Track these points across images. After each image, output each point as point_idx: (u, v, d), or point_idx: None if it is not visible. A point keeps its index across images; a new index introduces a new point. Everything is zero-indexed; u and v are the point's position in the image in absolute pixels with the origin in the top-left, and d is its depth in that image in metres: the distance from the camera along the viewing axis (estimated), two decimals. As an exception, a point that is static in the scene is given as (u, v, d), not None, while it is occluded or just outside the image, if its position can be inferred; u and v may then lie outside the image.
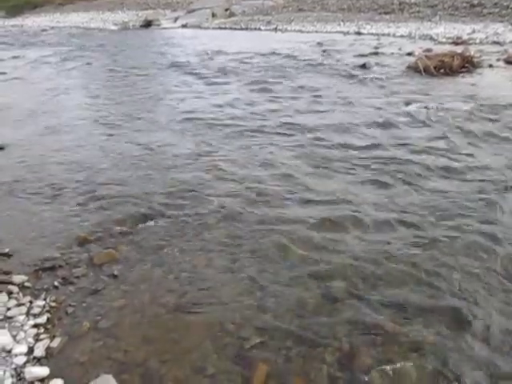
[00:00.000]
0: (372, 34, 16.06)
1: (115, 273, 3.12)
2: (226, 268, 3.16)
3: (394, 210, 3.83)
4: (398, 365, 2.30)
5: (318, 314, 2.71)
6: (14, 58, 15.56)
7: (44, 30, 28.44)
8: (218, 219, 3.77)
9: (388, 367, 2.29)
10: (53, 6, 44.85)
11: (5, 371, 2.32)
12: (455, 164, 4.70)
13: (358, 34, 16.39)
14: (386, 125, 5.96)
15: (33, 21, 38.63)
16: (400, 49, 12.15)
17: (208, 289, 2.96)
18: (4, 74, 12.10)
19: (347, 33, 16.82)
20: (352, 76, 9.15)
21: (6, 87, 10.41)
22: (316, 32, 17.86)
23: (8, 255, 3.38)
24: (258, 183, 4.40)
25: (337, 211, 3.82)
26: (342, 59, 11.09)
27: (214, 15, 25.25)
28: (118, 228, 3.67)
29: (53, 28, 30.07)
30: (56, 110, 7.78)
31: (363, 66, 9.87)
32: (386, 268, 3.08)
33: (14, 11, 48.84)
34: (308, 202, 4.03)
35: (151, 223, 3.75)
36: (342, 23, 18.75)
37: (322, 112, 6.75)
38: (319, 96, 7.63)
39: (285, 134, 5.79)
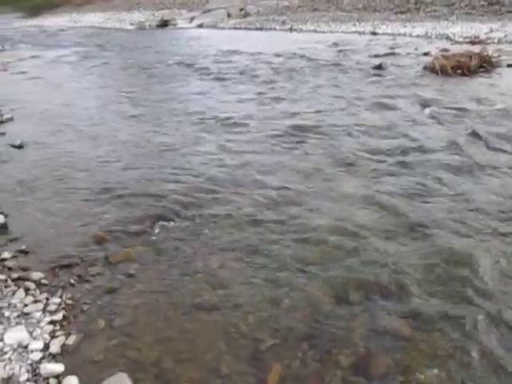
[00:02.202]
0: (388, 33, 15.91)
1: (131, 272, 3.15)
2: (241, 270, 3.16)
3: (412, 215, 3.77)
4: (415, 372, 2.28)
5: (333, 317, 2.69)
6: (34, 57, 15.79)
7: (62, 30, 28.81)
8: (235, 222, 3.76)
9: (404, 374, 2.27)
10: (71, 7, 45.41)
11: (21, 366, 2.35)
12: (476, 165, 4.62)
13: (374, 33, 16.25)
14: (402, 126, 5.89)
15: (52, 21, 39.17)
16: (416, 49, 12.02)
17: (223, 290, 2.96)
18: (24, 73, 12.29)
19: (362, 33, 16.69)
20: (368, 76, 9.07)
21: (26, 86, 10.57)
22: (331, 32, 17.76)
23: (25, 252, 3.43)
24: (276, 187, 4.37)
25: (355, 217, 3.78)
26: (358, 59, 11.01)
27: (229, 15, 25.28)
28: (135, 227, 3.70)
29: (71, 28, 30.45)
30: (74, 109, 7.87)
31: (379, 67, 9.77)
32: (403, 274, 3.03)
33: (34, 11, 49.60)
34: (327, 206, 3.98)
35: (168, 223, 3.76)
36: (357, 23, 18.62)
37: (338, 113, 6.69)
38: (335, 97, 7.58)
39: (301, 135, 5.75)
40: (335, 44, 13.77)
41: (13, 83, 11.15)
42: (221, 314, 2.76)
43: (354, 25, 18.36)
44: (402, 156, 4.97)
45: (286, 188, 4.33)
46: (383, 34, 16.02)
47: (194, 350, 2.49)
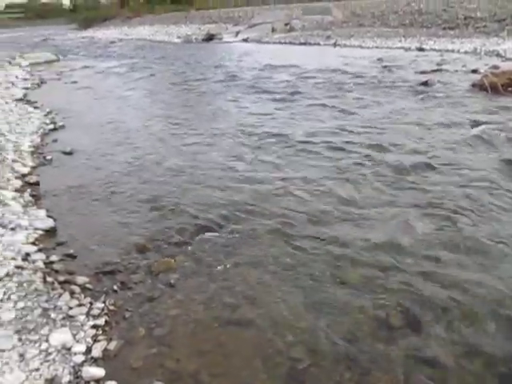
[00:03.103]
0: (435, 49, 15.60)
1: (171, 282, 3.19)
2: (279, 287, 3.14)
3: (460, 238, 3.64)
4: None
5: (372, 340, 2.62)
6: (85, 67, 16.54)
7: (112, 42, 30.04)
8: (275, 237, 3.75)
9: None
10: (121, 19, 47.33)
11: (64, 368, 2.42)
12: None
13: (420, 49, 15.97)
14: (449, 146, 5.72)
15: (103, 33, 40.96)
16: (464, 65, 11.71)
17: (261, 305, 2.95)
18: (76, 82, 12.89)
19: (409, 49, 16.45)
20: (414, 93, 8.91)
21: (77, 95, 11.07)
22: (376, 47, 17.62)
23: (72, 256, 3.56)
24: (318, 203, 4.34)
25: (398, 235, 3.70)
26: (404, 76, 10.85)
27: (274, 30, 25.57)
28: (176, 238, 3.76)
29: (121, 40, 31.69)
30: (121, 119, 8.15)
31: (425, 84, 9.59)
32: (451, 298, 2.92)
33: (86, 24, 52.05)
34: (370, 224, 3.91)
35: (208, 235, 3.80)
36: (403, 39, 18.38)
37: (383, 130, 6.58)
38: (379, 114, 7.48)
39: (345, 152, 5.68)
40: (380, 60, 13.63)
41: (65, 92, 11.71)
42: (258, 329, 2.75)
43: (400, 40, 18.13)
44: (446, 176, 4.83)
45: (329, 205, 4.29)
46: (430, 49, 15.72)
47: (231, 365, 2.49)
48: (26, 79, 13.55)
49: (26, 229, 3.84)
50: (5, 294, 2.90)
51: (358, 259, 3.40)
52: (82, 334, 2.66)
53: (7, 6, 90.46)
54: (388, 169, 5.09)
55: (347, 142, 6.07)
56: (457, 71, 11.11)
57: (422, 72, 11.15)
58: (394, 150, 5.70)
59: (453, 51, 14.92)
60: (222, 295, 3.06)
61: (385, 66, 12.39)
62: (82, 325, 2.73)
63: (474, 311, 2.80)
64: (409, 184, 4.70)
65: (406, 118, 7.16)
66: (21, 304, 2.83)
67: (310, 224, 3.95)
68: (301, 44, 21.12)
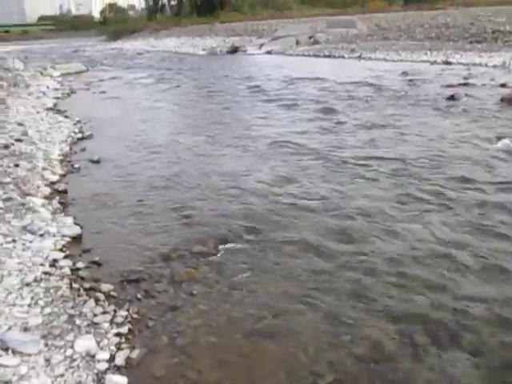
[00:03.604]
0: (462, 63, 15.42)
1: (194, 292, 3.21)
2: (302, 298, 3.12)
3: (485, 254, 3.57)
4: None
5: (396, 357, 2.58)
6: (113, 78, 16.94)
7: (140, 54, 30.72)
8: (297, 249, 3.75)
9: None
10: (149, 32, 48.41)
11: (88, 375, 2.44)
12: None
13: (447, 63, 15.81)
14: (477, 161, 5.62)
15: (131, 44, 41.93)
16: (493, 79, 11.53)
17: (283, 317, 2.94)
18: (104, 92, 13.21)
19: (434, 62, 16.30)
20: (440, 107, 8.80)
21: (105, 105, 11.33)
22: (401, 61, 17.52)
23: (98, 264, 3.61)
24: (339, 216, 4.31)
25: (420, 250, 3.65)
26: (429, 89, 10.75)
27: (298, 42, 25.71)
28: (199, 248, 3.79)
29: (148, 52, 32.39)
30: (148, 130, 8.29)
31: (452, 98, 9.46)
32: (473, 315, 2.87)
33: (115, 36, 53.45)
34: (394, 239, 3.86)
35: (231, 246, 3.82)
36: (429, 52, 18.22)
37: (407, 144, 6.53)
38: (404, 128, 7.41)
39: (368, 166, 5.63)
40: (405, 73, 13.54)
41: (94, 102, 12.01)
42: (280, 341, 2.74)
43: (426, 54, 17.99)
44: (474, 191, 4.74)
45: (352, 217, 4.26)
46: (457, 63, 15.55)
47: (253, 377, 2.48)
48: (56, 89, 13.95)
49: (54, 235, 3.93)
50: (32, 299, 2.97)
51: (382, 274, 3.36)
52: (105, 341, 2.68)
53: (40, 19, 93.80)
54: (413, 183, 5.03)
55: (371, 155, 6.04)
56: (484, 85, 10.94)
57: (449, 86, 11.03)
58: (419, 163, 5.63)
59: (480, 65, 14.72)
60: (244, 306, 3.06)
61: (410, 80, 12.29)
62: (106, 332, 2.76)
63: (503, 329, 2.73)
64: (433, 198, 4.63)
65: (431, 132, 7.07)
66: (48, 309, 2.88)
67: (334, 237, 3.92)
68: (325, 57, 21.17)
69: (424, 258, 3.53)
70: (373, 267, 3.44)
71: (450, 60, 16.16)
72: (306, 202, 4.68)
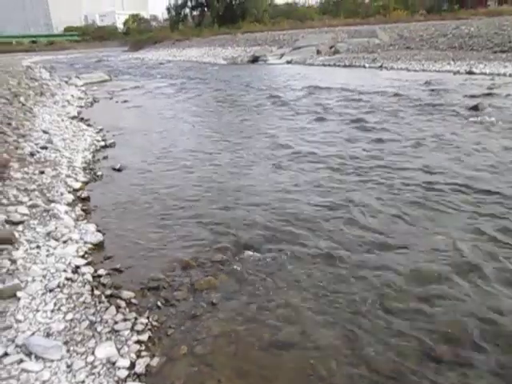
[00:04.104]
0: (485, 73, 15.19)
1: (214, 300, 3.21)
2: (322, 310, 3.10)
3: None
4: None
5: (418, 372, 2.52)
6: (136, 87, 17.23)
7: (162, 63, 31.23)
8: (317, 259, 3.72)
9: None
10: (170, 42, 49.25)
11: (108, 382, 2.46)
12: None
13: (470, 73, 15.59)
14: (501, 172, 5.51)
15: (152, 54, 42.68)
16: (517, 90, 11.33)
17: (302, 329, 2.92)
18: (126, 101, 13.43)
19: (457, 72, 16.10)
20: (463, 118, 8.67)
21: (128, 114, 11.52)
22: (423, 71, 17.37)
23: (119, 271, 3.65)
24: (361, 227, 4.27)
25: (444, 263, 3.58)
26: (452, 100, 10.60)
27: (318, 52, 25.76)
28: (219, 256, 3.80)
29: (169, 61, 32.89)
30: (169, 138, 8.39)
31: (475, 108, 9.31)
32: (498, 329, 2.79)
33: (138, 46, 54.56)
34: (417, 252, 3.80)
35: (250, 255, 3.81)
36: (451, 62, 18.02)
37: (429, 155, 6.44)
38: (426, 138, 7.31)
39: (388, 177, 5.58)
40: (428, 83, 13.40)
41: (116, 111, 12.22)
42: (300, 353, 2.72)
43: (449, 63, 17.79)
44: (499, 205, 4.63)
45: (374, 229, 4.21)
46: (480, 73, 15.32)
47: (272, 389, 2.46)
48: (80, 98, 14.25)
49: (77, 242, 3.99)
50: (55, 305, 3.01)
51: (403, 287, 3.31)
52: (126, 348, 2.70)
53: (66, 29, 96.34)
54: (437, 194, 4.95)
55: (394, 165, 5.98)
56: (509, 95, 10.75)
57: (472, 96, 10.87)
58: (442, 174, 5.55)
59: (505, 75, 14.47)
60: (263, 316, 3.05)
61: (433, 90, 12.16)
62: (127, 340, 2.78)
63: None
64: (457, 211, 4.55)
65: (453, 142, 6.96)
66: (70, 315, 2.92)
67: (356, 249, 3.88)
68: (345, 66, 21.14)
69: (450, 271, 3.45)
70: (395, 280, 3.39)
71: (474, 70, 15.94)
72: (328, 212, 4.65)
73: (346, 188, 5.32)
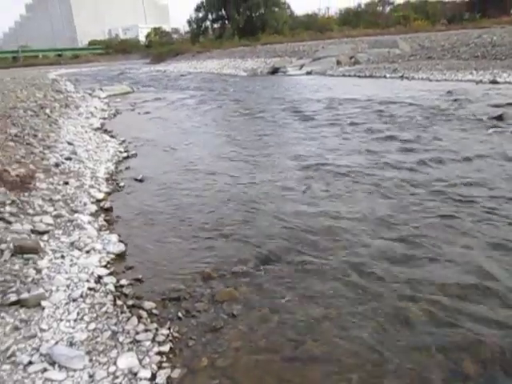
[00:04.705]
0: (509, 82, 14.93)
1: (234, 312, 3.20)
2: (344, 323, 3.05)
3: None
4: None
5: (444, 389, 2.46)
6: (157, 99, 17.48)
7: (183, 75, 31.66)
8: (339, 271, 3.67)
9: None
10: (191, 54, 49.99)
11: (129, 393, 2.47)
12: None
13: (493, 82, 15.34)
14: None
15: (174, 66, 43.34)
16: (544, 99, 11.08)
17: (324, 342, 2.88)
18: (148, 113, 13.65)
19: (480, 81, 15.85)
20: (487, 128, 8.51)
21: (149, 125, 11.69)
22: (445, 80, 17.16)
23: (141, 281, 3.68)
24: (385, 240, 4.21)
25: (469, 276, 3.50)
26: (475, 109, 10.43)
27: (338, 63, 25.74)
28: (240, 267, 3.79)
29: (190, 73, 33.32)
30: (190, 150, 8.46)
31: (499, 118, 9.14)
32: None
33: (159, 58, 55.54)
34: (440, 264, 3.73)
35: (271, 266, 3.80)
36: (474, 71, 17.76)
37: (453, 166, 6.33)
38: (451, 148, 7.19)
39: (412, 188, 5.49)
40: (450, 93, 13.23)
41: (138, 122, 12.41)
42: (322, 367, 2.68)
43: (471, 73, 17.54)
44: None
45: (397, 241, 4.15)
46: (504, 82, 15.07)
47: (293, 404, 2.42)
48: (103, 110, 14.54)
49: (100, 252, 4.05)
50: (78, 314, 3.05)
51: (427, 300, 3.24)
52: (147, 359, 2.71)
53: (90, 43, 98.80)
54: (460, 206, 4.86)
55: (417, 177, 5.89)
56: (535, 105, 10.52)
57: (496, 105, 10.67)
58: (467, 186, 5.44)
59: (530, 84, 14.20)
60: (284, 329, 3.02)
61: (455, 100, 12.00)
62: (148, 350, 2.79)
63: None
64: (480, 223, 4.45)
65: (478, 152, 6.83)
66: (92, 325, 2.95)
67: (378, 262, 3.82)
68: (366, 77, 21.05)
69: (477, 287, 3.37)
70: (418, 294, 3.32)
71: (497, 79, 15.68)
72: (349, 223, 4.60)
73: (368, 199, 5.26)
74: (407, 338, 2.89)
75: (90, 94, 18.59)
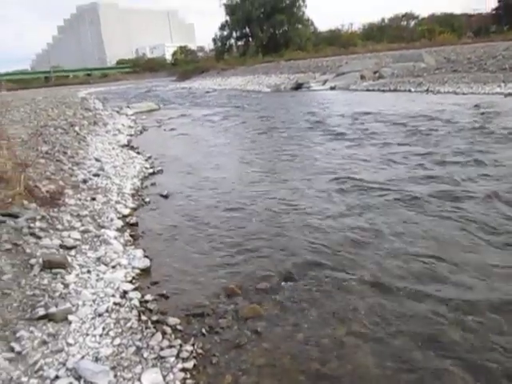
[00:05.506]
0: (540, 95, 14.60)
1: (258, 329, 3.17)
2: (369, 341, 2.99)
3: None
4: None
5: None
6: (183, 115, 17.79)
7: (207, 92, 32.14)
8: (365, 288, 3.61)
9: None
10: (216, 71, 50.79)
11: (153, 410, 2.46)
12: None
13: (523, 95, 15.01)
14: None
15: (199, 83, 44.08)
16: None
17: (349, 361, 2.82)
18: (173, 129, 13.88)
19: (508, 94, 15.53)
20: (517, 141, 8.32)
21: (175, 142, 11.89)
22: (472, 93, 16.87)
23: (165, 296, 3.70)
24: (411, 254, 4.13)
25: (502, 296, 3.38)
26: (504, 123, 10.20)
27: (362, 77, 25.67)
28: (264, 284, 3.76)
29: (215, 90, 33.81)
30: (215, 166, 8.53)
31: (530, 131, 8.92)
32: None
33: (185, 76, 56.65)
34: (471, 283, 3.61)
35: (296, 282, 3.76)
36: (502, 84, 17.41)
37: (482, 181, 6.18)
38: (478, 163, 7.03)
39: (441, 204, 5.35)
40: (477, 106, 13.00)
41: (164, 139, 12.64)
42: (347, 389, 2.62)
43: (499, 86, 17.21)
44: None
45: (422, 258, 4.05)
46: (534, 95, 14.73)
47: (319, 425, 2.37)
48: (130, 127, 14.87)
49: (125, 267, 4.10)
50: (104, 329, 3.08)
51: (457, 320, 3.14)
52: (171, 376, 2.70)
53: (118, 62, 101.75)
54: (489, 224, 4.72)
55: (443, 191, 5.77)
56: None
57: (526, 118, 10.42)
58: (498, 201, 5.30)
59: (561, 96, 13.83)
60: (308, 347, 2.98)
61: (482, 113, 11.77)
62: (172, 367, 2.78)
63: None
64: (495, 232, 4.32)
65: (507, 167, 6.66)
66: (117, 340, 2.97)
67: (405, 278, 3.74)
68: (390, 91, 20.91)
69: (505, 307, 3.26)
70: (447, 312, 3.23)
71: (527, 91, 15.35)
72: (374, 239, 4.53)
73: (393, 214, 5.18)
74: (436, 356, 2.81)
75: (117, 112, 19.05)
